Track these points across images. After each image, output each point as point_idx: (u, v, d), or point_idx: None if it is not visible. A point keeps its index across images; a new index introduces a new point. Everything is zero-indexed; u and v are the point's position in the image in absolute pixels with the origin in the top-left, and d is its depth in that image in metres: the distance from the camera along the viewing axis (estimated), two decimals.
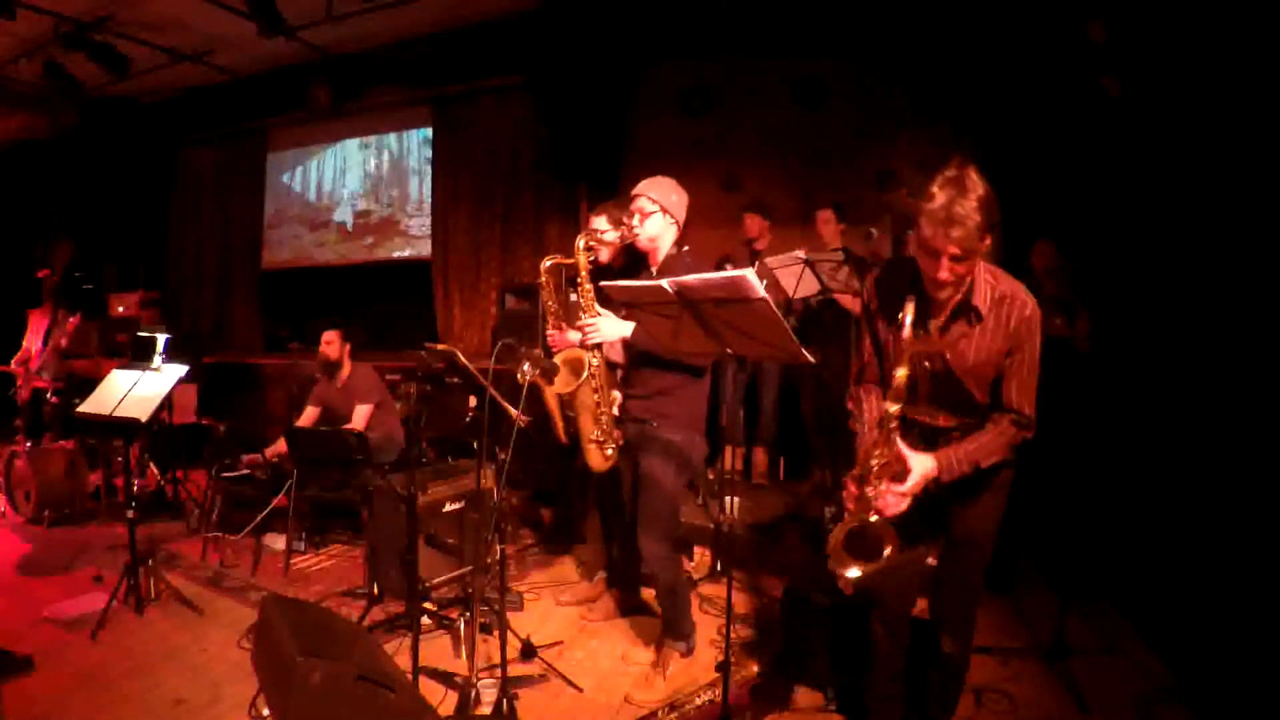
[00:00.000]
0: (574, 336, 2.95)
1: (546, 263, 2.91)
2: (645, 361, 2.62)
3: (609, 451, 2.73)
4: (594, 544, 3.45)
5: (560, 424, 3.06)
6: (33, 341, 5.22)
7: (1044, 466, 3.09)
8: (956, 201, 1.68)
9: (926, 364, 1.93)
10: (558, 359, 2.84)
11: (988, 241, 1.75)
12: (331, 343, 4.31)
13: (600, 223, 3.00)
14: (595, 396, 2.71)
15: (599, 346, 2.70)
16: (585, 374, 2.68)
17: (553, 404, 3.04)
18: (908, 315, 1.83)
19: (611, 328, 2.61)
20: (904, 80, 4.90)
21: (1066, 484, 3.19)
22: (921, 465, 1.83)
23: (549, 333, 3.05)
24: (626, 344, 2.72)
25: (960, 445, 1.88)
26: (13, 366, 5.24)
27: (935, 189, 1.72)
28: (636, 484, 2.69)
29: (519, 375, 2.47)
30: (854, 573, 1.74)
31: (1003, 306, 1.84)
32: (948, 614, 2.09)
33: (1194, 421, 2.93)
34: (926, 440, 1.95)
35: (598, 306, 2.66)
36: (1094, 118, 3.83)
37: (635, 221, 2.66)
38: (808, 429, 4.51)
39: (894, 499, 1.80)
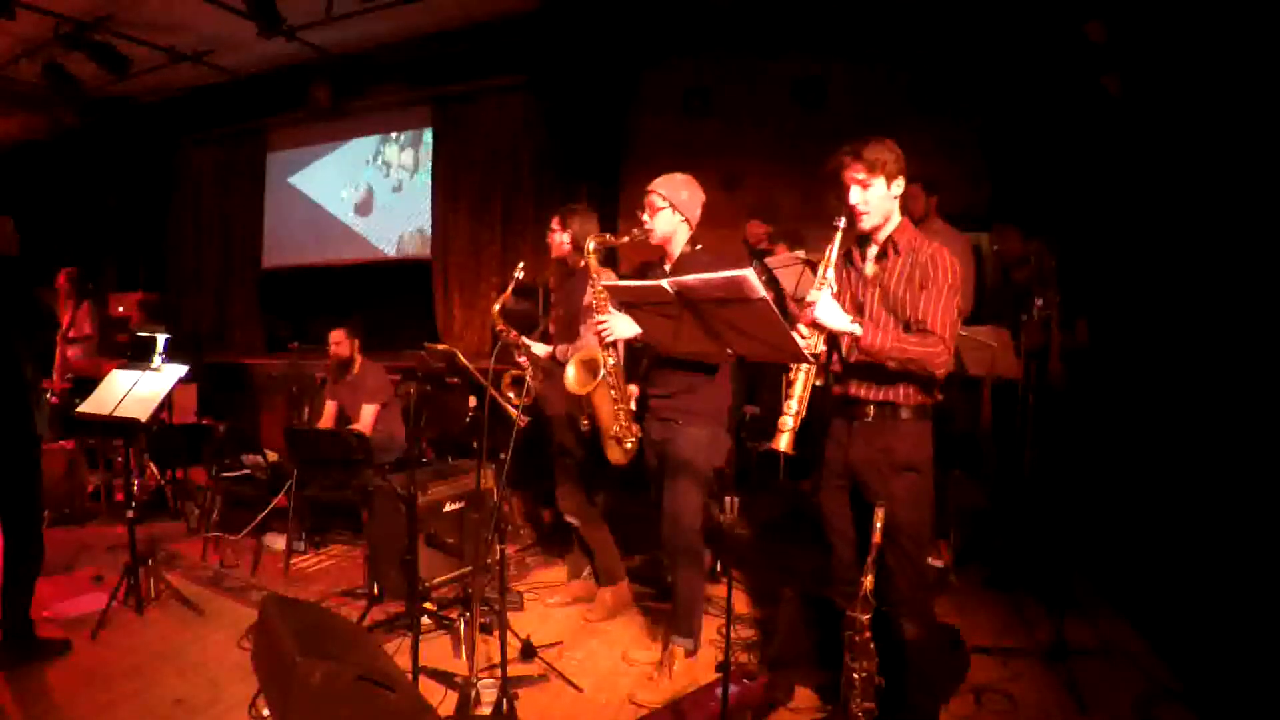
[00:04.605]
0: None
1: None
2: (667, 361, 2.62)
3: (628, 445, 2.76)
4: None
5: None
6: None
7: (1044, 467, 3.09)
8: None
9: None
10: (574, 358, 2.85)
11: None
12: (340, 342, 4.31)
13: (557, 224, 3.31)
14: (613, 394, 2.73)
15: (614, 345, 2.71)
16: (601, 373, 2.70)
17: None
18: None
19: (625, 326, 2.59)
20: (904, 79, 4.90)
21: (1067, 484, 3.18)
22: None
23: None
24: (638, 342, 2.73)
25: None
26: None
27: None
28: (663, 479, 2.70)
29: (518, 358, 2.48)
30: None
31: None
32: (899, 599, 2.08)
33: (1193, 420, 2.93)
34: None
35: (610, 306, 2.66)
36: (1094, 117, 3.83)
37: (645, 217, 2.68)
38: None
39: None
